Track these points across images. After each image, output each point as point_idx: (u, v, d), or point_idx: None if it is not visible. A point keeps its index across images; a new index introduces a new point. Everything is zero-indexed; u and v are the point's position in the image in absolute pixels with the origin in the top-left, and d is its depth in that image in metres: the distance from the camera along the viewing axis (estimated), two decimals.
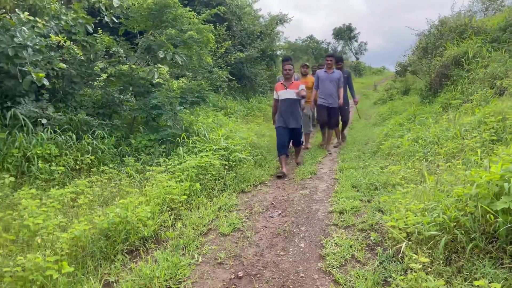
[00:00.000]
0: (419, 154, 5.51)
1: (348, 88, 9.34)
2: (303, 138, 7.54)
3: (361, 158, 7.20)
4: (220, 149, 6.17)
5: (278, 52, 19.87)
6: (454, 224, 2.96)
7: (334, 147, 8.91)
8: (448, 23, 10.91)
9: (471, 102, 6.61)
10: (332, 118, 8.49)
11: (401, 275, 2.80)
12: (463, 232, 2.87)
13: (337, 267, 3.17)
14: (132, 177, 5.27)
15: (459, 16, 12.14)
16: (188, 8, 8.04)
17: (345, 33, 49.54)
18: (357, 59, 49.44)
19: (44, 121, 5.62)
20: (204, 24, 8.32)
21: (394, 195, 4.11)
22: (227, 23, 13.72)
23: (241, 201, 5.10)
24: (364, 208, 4.45)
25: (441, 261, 2.79)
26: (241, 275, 3.17)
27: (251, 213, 4.67)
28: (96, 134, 6.07)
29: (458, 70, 8.52)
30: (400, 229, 3.33)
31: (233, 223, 4.23)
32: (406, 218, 3.31)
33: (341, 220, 4.19)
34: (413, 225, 3.18)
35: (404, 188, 4.35)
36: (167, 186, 4.59)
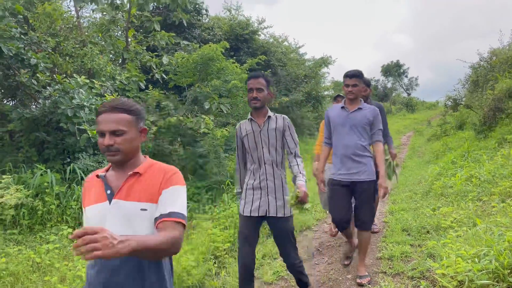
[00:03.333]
0: (473, 194, 5.22)
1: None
2: None
3: (412, 199, 6.92)
4: None
5: (326, 93, 20.07)
6: (509, 271, 2.75)
7: (346, 263, 4.27)
8: (498, 55, 10.54)
9: None
10: (363, 208, 3.68)
11: None
12: None
13: None
14: None
15: (511, 47, 11.70)
16: (231, 60, 8.46)
17: (393, 70, 49.08)
18: (409, 94, 48.52)
19: None
20: (247, 73, 8.68)
21: (445, 240, 3.91)
22: (271, 70, 14.16)
23: None
24: (414, 254, 4.24)
25: None
26: None
27: None
28: None
29: None
30: (451, 277, 3.14)
31: (277, 271, 4.18)
32: (456, 265, 3.13)
33: (389, 267, 4.01)
34: (464, 273, 2.99)
35: (455, 231, 4.12)
36: (212, 234, 4.67)
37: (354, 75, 3.70)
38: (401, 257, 4.20)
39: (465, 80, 12.57)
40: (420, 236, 4.77)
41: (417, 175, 9.50)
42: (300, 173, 3.00)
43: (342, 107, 3.77)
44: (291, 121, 3.17)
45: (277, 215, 2.99)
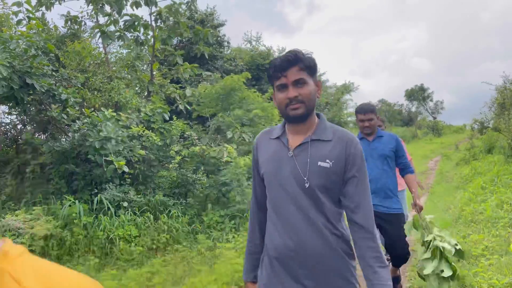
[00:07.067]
0: (504, 221, 5.03)
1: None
2: None
3: (441, 225, 6.71)
4: None
5: (349, 119, 20.00)
6: None
7: None
8: None
9: None
10: None
11: None
12: None
13: None
14: (203, 255, 5.42)
15: None
16: (253, 89, 8.61)
17: (418, 94, 48.49)
18: (434, 118, 47.64)
19: (125, 204, 6.13)
20: (269, 102, 8.79)
21: (476, 268, 3.76)
22: None
23: None
24: None
25: None
26: None
27: None
28: (171, 213, 6.44)
29: None
30: None
31: None
32: None
33: None
34: None
35: (487, 259, 3.97)
36: (236, 263, 4.64)
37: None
38: None
39: (491, 103, 12.33)
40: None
41: (446, 201, 9.23)
42: None
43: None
44: None
45: None
